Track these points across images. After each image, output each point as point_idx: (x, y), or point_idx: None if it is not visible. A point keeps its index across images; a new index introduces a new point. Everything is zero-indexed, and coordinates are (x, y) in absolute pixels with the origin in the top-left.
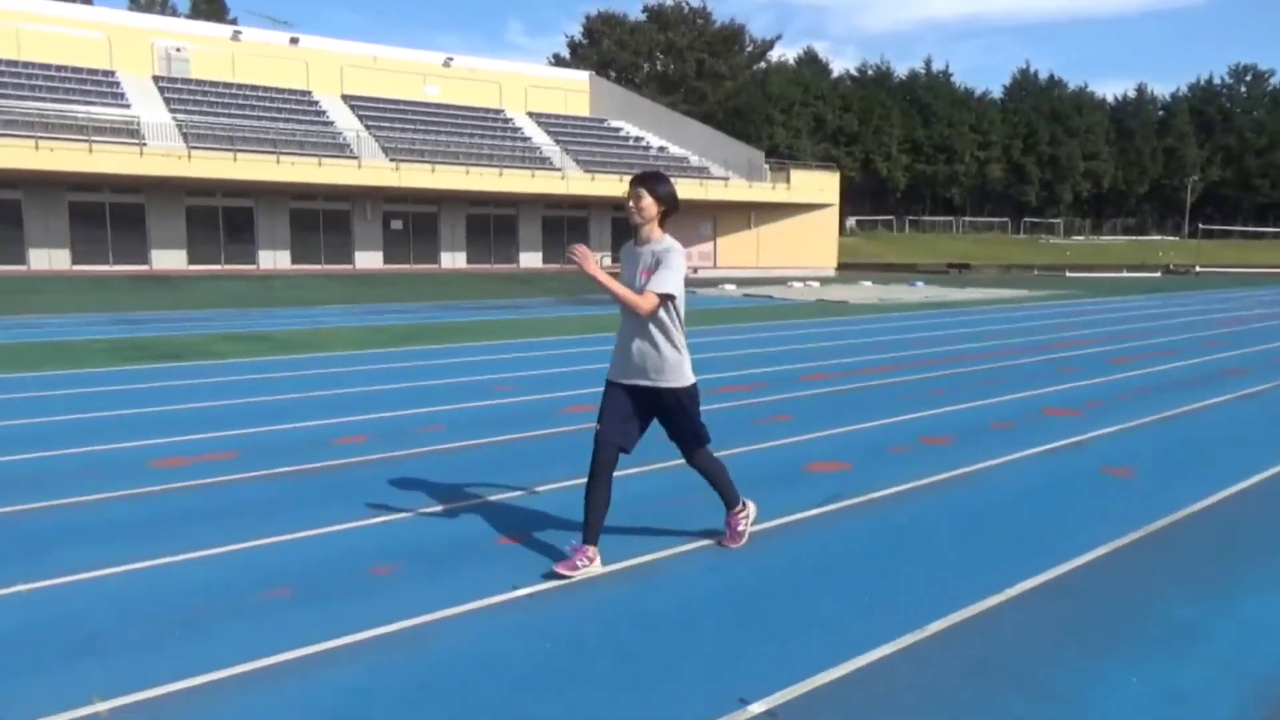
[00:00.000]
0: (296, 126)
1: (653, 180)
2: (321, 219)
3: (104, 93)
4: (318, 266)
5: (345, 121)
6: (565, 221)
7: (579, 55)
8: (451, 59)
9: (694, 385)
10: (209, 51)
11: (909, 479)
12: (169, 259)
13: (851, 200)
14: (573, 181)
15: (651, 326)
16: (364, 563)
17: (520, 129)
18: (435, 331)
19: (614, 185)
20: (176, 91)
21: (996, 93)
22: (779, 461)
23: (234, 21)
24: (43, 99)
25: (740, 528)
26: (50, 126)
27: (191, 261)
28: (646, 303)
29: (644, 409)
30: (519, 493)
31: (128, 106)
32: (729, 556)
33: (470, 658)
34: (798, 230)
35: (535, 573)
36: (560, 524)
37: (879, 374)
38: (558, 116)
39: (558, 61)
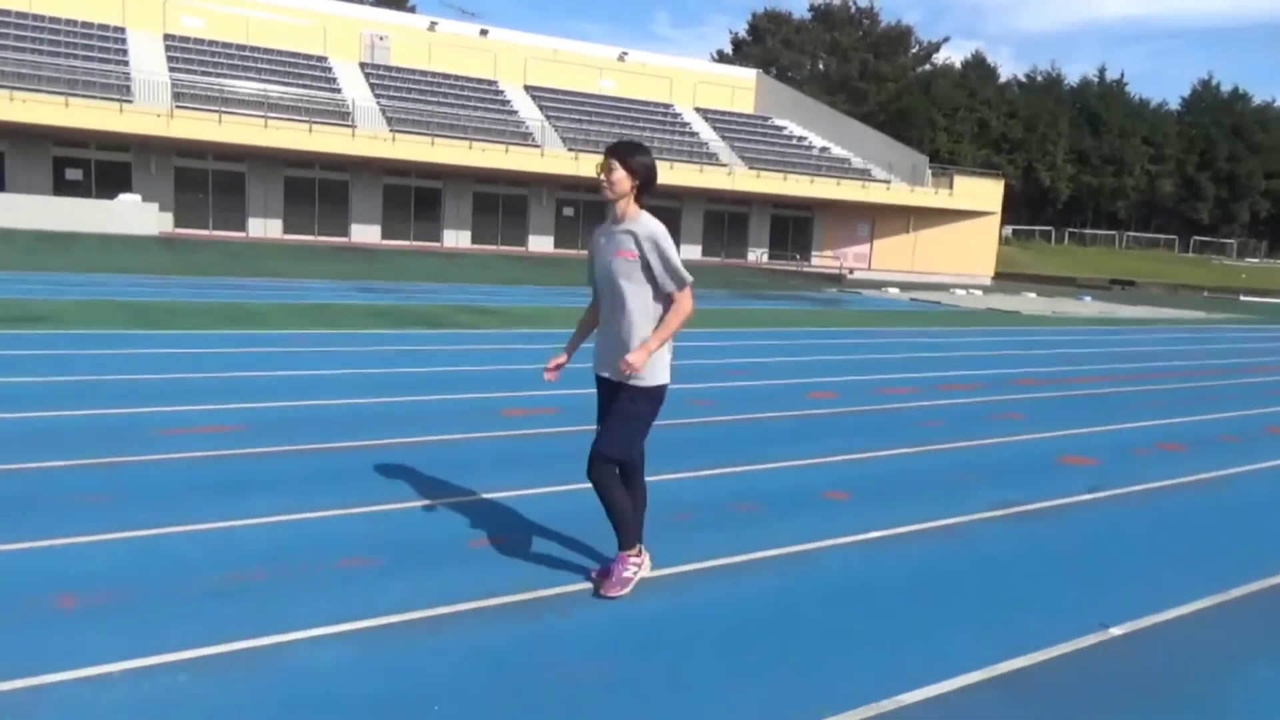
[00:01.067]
0: (485, 114)
1: (627, 150)
2: (501, 203)
3: (317, 76)
4: (493, 247)
5: (527, 111)
6: (726, 217)
7: (742, 52)
8: (626, 53)
9: (660, 389)
10: (408, 41)
11: (1160, 478)
12: (366, 233)
13: (1009, 208)
14: (739, 178)
15: (635, 314)
16: (734, 500)
17: (688, 124)
18: None
19: (778, 183)
20: (380, 78)
21: (1170, 102)
22: (1027, 454)
23: (413, 9)
24: (267, 81)
25: (626, 572)
26: (274, 107)
27: (385, 236)
28: (687, 306)
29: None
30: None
31: (338, 90)
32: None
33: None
34: (956, 237)
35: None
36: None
37: (1082, 384)
38: (723, 113)
39: (720, 58)
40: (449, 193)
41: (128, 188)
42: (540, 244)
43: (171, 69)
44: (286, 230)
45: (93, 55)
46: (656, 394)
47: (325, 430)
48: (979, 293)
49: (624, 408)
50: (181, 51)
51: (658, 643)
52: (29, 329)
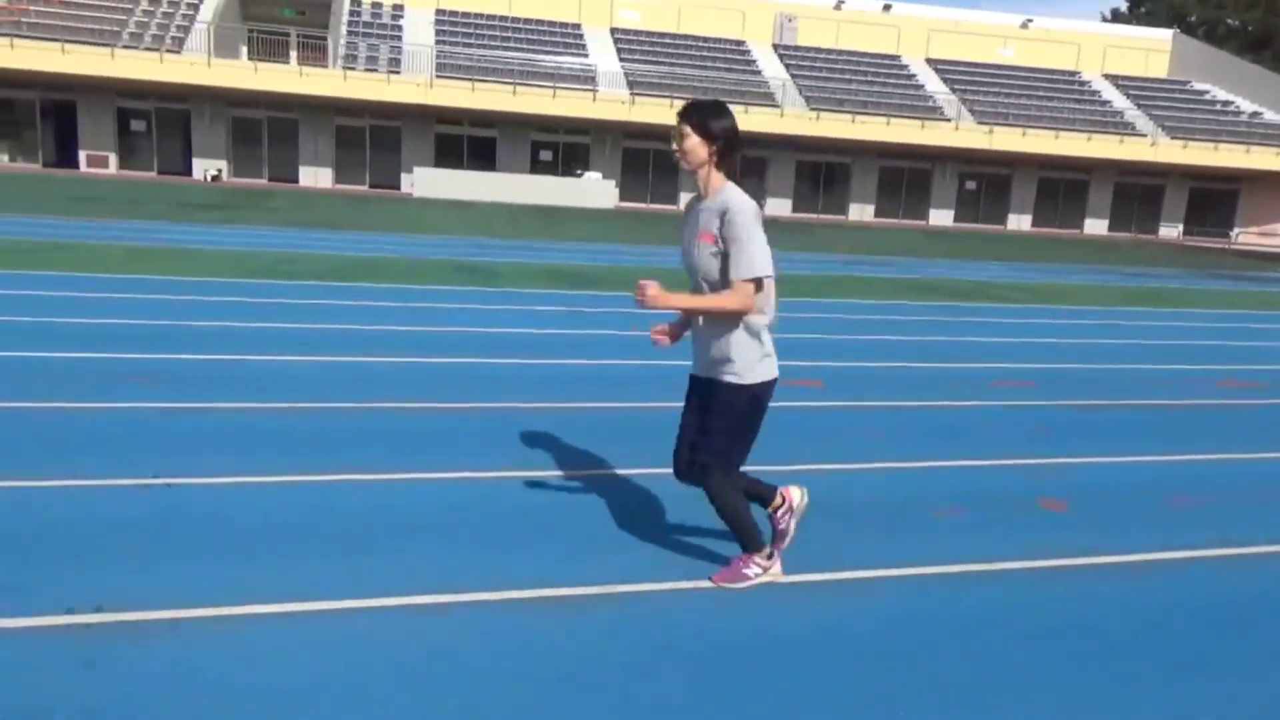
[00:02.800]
0: (891, 89)
1: (700, 111)
2: (906, 177)
3: (737, 60)
4: (895, 220)
5: (933, 85)
6: (1139, 189)
7: (1143, 9)
8: (1030, 20)
9: (761, 387)
10: (815, 20)
11: None
12: (780, 207)
13: None
14: (1162, 149)
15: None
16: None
17: (1098, 92)
18: (1082, 293)
19: (1207, 154)
20: (792, 58)
21: None
22: None
23: None
24: (698, 66)
25: (748, 570)
26: (702, 91)
27: (793, 210)
28: (738, 300)
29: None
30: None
31: (759, 72)
32: None
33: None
34: None
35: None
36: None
37: None
38: (1136, 79)
39: (1114, 17)
40: (856, 168)
41: (586, 166)
42: (941, 217)
43: (622, 60)
44: None
45: (559, 50)
46: (753, 392)
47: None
48: None
49: (716, 407)
50: (625, 43)
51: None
52: (469, 284)
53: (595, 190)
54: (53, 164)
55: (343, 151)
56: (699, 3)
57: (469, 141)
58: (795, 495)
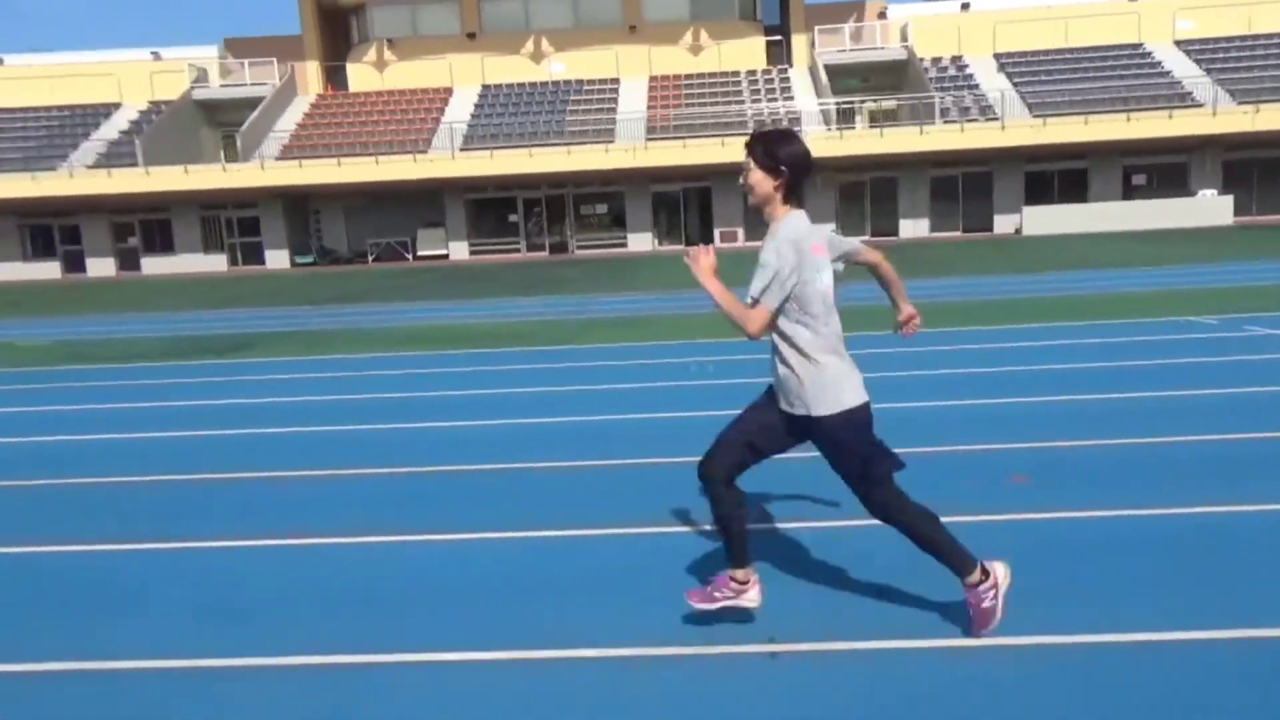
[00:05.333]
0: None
1: (763, 141)
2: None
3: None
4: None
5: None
6: None
7: None
8: None
9: (848, 412)
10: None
11: None
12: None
13: None
14: None
15: (776, 340)
16: None
17: None
18: None
19: None
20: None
21: None
22: None
23: None
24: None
25: (985, 604)
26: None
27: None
28: (748, 321)
29: (791, 437)
30: None
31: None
32: None
33: None
34: None
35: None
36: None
37: None
38: None
39: None
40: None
41: (1184, 185)
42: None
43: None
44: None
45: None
46: (850, 418)
47: None
48: None
49: (837, 444)
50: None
51: None
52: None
53: (1208, 207)
54: None
55: (936, 202)
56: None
57: (1059, 175)
58: (1000, 571)
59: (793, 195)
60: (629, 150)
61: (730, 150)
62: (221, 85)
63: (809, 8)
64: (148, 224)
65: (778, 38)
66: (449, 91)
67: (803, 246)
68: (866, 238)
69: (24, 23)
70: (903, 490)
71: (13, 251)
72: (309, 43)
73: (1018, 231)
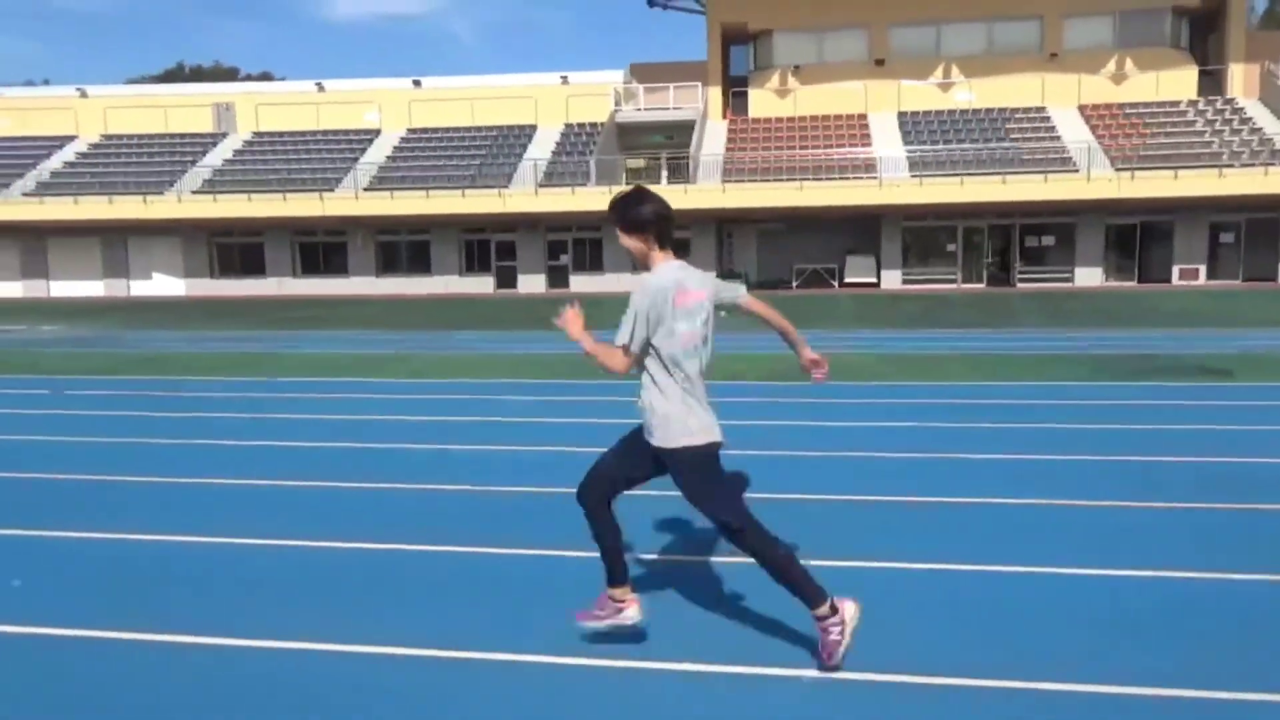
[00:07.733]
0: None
1: (621, 208)
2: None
3: None
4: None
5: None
6: None
7: None
8: None
9: (685, 450)
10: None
11: None
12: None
13: None
14: None
15: (642, 375)
16: None
17: None
18: None
19: None
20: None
21: None
22: None
23: None
24: None
25: (832, 636)
26: None
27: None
28: (611, 360)
29: (656, 464)
30: None
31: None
32: None
33: None
34: None
35: None
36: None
37: None
38: None
39: None
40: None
41: None
42: None
43: None
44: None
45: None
46: (688, 457)
47: None
48: None
49: (680, 479)
50: None
51: None
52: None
53: None
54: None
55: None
56: None
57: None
58: (850, 610)
59: (665, 244)
60: (1083, 179)
61: (1184, 184)
62: (642, 109)
63: (1253, 35)
64: (580, 242)
65: (1210, 67)
66: (863, 118)
67: (667, 294)
68: None
69: (441, 48)
70: (760, 523)
71: (451, 264)
72: (712, 69)
73: None
